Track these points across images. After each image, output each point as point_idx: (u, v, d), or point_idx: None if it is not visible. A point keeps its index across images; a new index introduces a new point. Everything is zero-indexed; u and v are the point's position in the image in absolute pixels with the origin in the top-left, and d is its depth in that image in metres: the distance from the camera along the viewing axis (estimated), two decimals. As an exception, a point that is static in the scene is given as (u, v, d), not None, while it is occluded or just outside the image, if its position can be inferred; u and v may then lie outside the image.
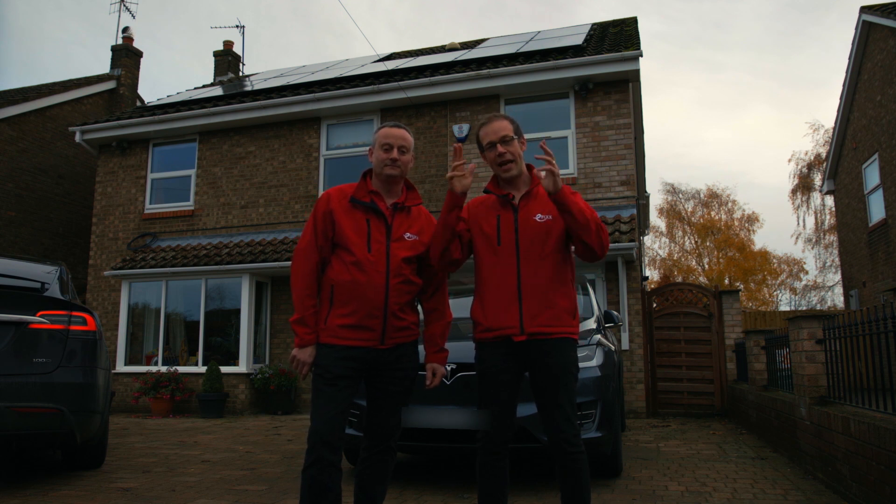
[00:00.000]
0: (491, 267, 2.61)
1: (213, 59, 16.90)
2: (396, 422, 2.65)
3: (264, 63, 72.85)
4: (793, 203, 26.57)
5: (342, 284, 2.52)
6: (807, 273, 30.86)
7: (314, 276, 2.58)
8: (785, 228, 47.93)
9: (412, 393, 2.72)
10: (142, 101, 15.96)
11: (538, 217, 2.58)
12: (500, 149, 2.62)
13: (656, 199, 33.55)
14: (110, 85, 15.50)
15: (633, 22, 12.38)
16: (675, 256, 32.02)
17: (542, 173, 2.48)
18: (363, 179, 2.69)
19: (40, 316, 4.13)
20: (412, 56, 13.62)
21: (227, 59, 16.67)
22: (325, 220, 2.59)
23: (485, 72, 10.09)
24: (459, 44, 14.05)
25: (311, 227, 2.62)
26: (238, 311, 10.29)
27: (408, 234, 2.63)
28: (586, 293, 5.41)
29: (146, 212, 11.92)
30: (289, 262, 9.81)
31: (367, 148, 2.70)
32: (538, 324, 2.51)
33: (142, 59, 16.34)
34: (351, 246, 2.53)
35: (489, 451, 2.58)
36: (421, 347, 2.77)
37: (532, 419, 3.57)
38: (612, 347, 4.69)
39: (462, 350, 4.17)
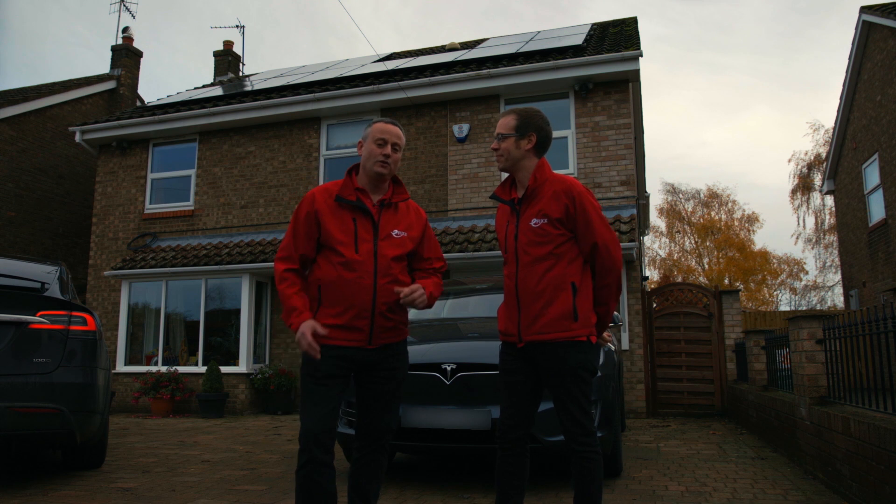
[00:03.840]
0: (505, 273, 2.67)
1: (213, 59, 16.91)
2: (389, 421, 2.61)
3: (268, 64, 72.95)
4: (793, 203, 26.60)
5: (330, 284, 2.49)
6: (807, 273, 30.89)
7: (298, 277, 2.55)
8: (785, 228, 47.98)
9: (404, 392, 2.70)
10: (142, 101, 15.96)
11: (533, 222, 2.57)
12: (493, 145, 2.68)
13: (656, 199, 33.58)
14: (110, 85, 15.50)
15: (633, 22, 12.38)
16: (675, 256, 32.05)
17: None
18: (348, 176, 2.62)
19: (40, 316, 4.13)
20: (412, 56, 13.61)
21: (227, 59, 16.67)
22: (309, 221, 2.53)
23: (485, 72, 10.09)
24: (459, 44, 14.04)
25: (290, 233, 2.56)
26: (238, 311, 10.29)
27: (395, 232, 2.57)
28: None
29: (146, 212, 11.92)
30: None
31: (360, 141, 2.65)
32: (533, 332, 2.52)
33: (144, 60, 16.40)
34: (338, 246, 2.49)
35: (501, 446, 2.61)
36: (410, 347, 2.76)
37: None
38: (613, 347, 4.70)
39: (462, 350, 4.18)
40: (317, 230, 2.53)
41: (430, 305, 2.57)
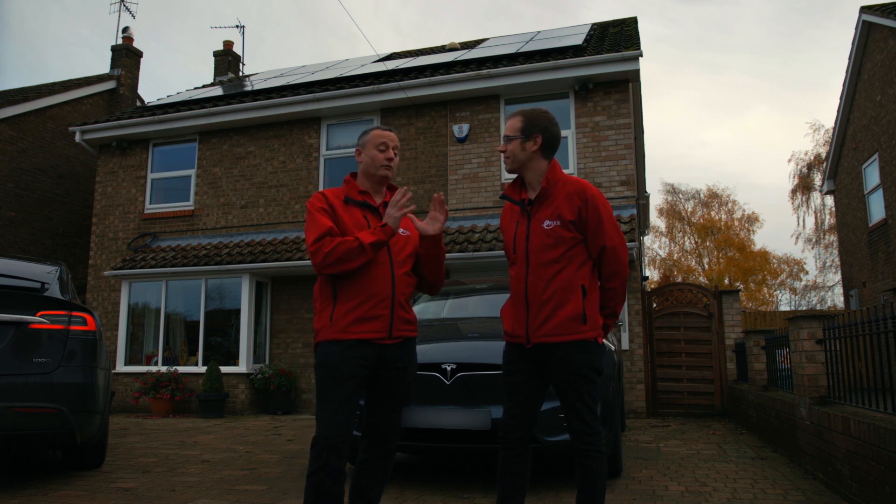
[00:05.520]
0: (512, 274, 2.66)
1: (213, 59, 16.91)
2: (397, 424, 2.62)
3: (268, 64, 72.84)
4: (793, 203, 26.60)
5: (348, 277, 2.48)
6: (807, 273, 30.88)
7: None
8: (785, 228, 48.01)
9: (411, 394, 2.70)
10: (142, 101, 15.97)
11: (545, 224, 2.57)
12: (500, 147, 2.69)
13: (656, 199, 33.57)
14: (110, 85, 15.50)
15: (633, 22, 12.38)
16: (675, 256, 32.04)
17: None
18: (349, 182, 2.70)
19: (40, 316, 4.13)
20: (412, 56, 13.62)
21: (227, 59, 16.66)
22: (328, 209, 2.57)
23: (485, 72, 10.09)
24: (459, 44, 14.05)
25: (312, 221, 2.53)
26: (238, 311, 10.29)
27: (401, 230, 2.64)
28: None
29: (146, 212, 11.92)
30: (289, 262, 9.81)
31: (356, 148, 2.72)
32: (542, 334, 2.52)
33: (144, 60, 16.41)
34: None
35: (503, 446, 2.62)
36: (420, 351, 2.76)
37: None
38: (612, 347, 4.69)
39: (462, 350, 4.18)
40: (335, 217, 2.56)
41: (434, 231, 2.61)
